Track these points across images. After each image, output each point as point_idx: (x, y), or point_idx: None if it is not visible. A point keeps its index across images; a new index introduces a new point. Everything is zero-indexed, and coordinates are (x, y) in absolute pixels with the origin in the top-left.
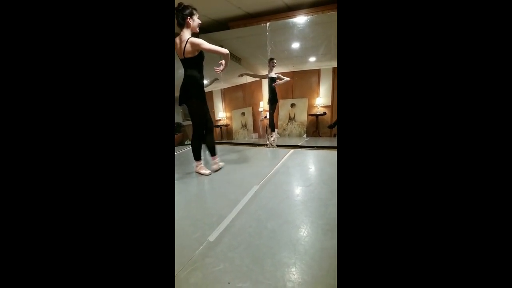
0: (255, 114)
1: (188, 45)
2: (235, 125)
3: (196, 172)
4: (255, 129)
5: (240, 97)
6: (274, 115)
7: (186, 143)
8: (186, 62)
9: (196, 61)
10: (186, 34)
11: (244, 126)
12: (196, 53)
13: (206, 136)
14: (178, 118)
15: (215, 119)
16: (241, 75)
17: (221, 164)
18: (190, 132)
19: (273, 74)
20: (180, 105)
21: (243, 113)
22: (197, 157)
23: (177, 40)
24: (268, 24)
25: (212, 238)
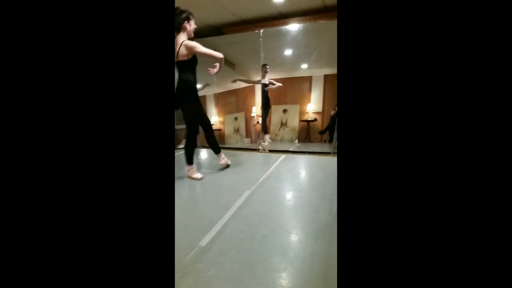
0: (248, 119)
1: (182, 48)
2: (228, 130)
3: (188, 176)
4: (248, 134)
5: (233, 102)
6: (267, 120)
7: (178, 147)
8: (179, 65)
9: (190, 65)
10: (181, 38)
11: (237, 131)
12: (190, 56)
13: (206, 136)
14: None
15: None
16: (235, 81)
17: (228, 161)
18: (182, 136)
19: (266, 80)
20: (176, 109)
21: (235, 118)
22: (190, 161)
23: None
24: (261, 30)
25: (203, 243)
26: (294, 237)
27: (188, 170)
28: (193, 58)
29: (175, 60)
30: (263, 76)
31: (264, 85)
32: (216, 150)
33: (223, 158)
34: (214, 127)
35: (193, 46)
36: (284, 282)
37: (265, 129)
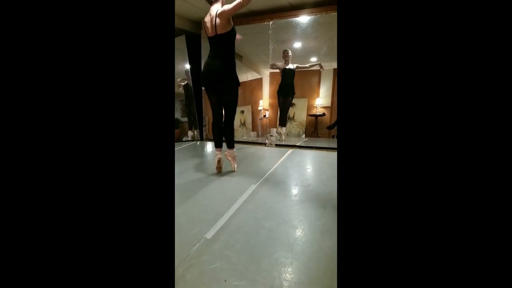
0: (254, 113)
1: (218, 19)
2: (234, 123)
3: (227, 157)
4: (254, 128)
5: (240, 94)
6: (274, 113)
7: (184, 139)
8: (217, 39)
9: (229, 38)
10: (216, 8)
11: (243, 124)
12: (229, 28)
13: (225, 123)
14: (176, 114)
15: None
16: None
17: (235, 167)
18: (187, 128)
19: (291, 66)
20: (208, 91)
21: (242, 111)
22: (219, 143)
23: (206, 18)
24: (271, 22)
25: (209, 235)
26: (300, 232)
27: (228, 155)
28: (232, 30)
29: (214, 33)
30: (286, 63)
31: (289, 71)
32: (230, 143)
33: (233, 156)
34: None
35: (227, 10)
36: (290, 276)
37: (284, 120)
